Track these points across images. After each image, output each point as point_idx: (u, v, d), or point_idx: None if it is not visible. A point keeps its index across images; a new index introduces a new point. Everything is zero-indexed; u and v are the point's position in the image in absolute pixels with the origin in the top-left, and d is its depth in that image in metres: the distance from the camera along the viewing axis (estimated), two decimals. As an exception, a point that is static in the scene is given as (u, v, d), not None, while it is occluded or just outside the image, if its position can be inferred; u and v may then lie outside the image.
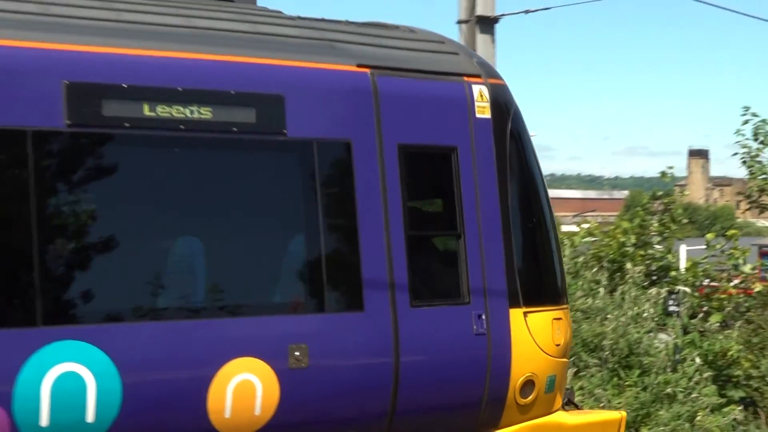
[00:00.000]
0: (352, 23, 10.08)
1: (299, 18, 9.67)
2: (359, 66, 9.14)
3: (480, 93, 9.76)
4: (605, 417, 10.68)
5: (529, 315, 9.74)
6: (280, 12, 9.78)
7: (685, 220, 22.65)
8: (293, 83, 8.74)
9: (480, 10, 16.41)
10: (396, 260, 9.00)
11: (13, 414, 7.34)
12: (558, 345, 9.97)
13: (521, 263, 9.78)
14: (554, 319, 10.01)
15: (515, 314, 9.62)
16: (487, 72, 10.05)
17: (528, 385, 9.70)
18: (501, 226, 9.66)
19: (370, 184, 8.95)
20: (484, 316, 9.42)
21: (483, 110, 9.72)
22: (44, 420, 7.45)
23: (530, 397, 9.73)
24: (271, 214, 8.79)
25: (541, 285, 10.11)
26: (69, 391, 7.52)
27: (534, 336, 9.73)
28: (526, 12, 17.67)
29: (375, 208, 8.96)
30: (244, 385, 8.24)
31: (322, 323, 8.68)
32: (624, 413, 10.86)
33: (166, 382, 7.94)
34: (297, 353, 8.43)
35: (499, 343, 9.45)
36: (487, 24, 16.51)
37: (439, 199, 9.70)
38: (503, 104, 9.92)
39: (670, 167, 22.72)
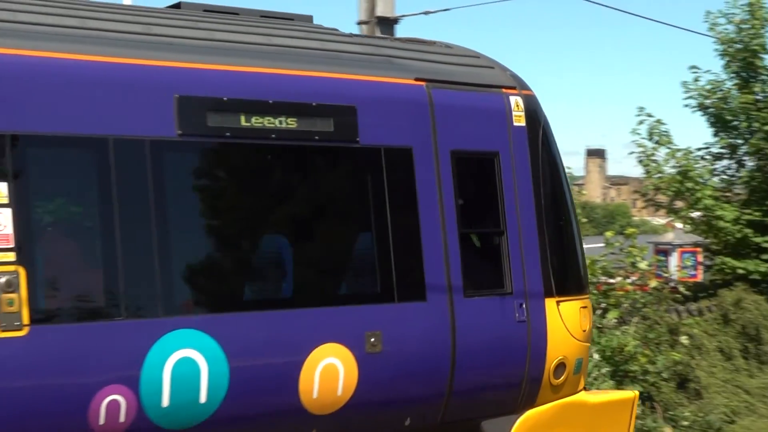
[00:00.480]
0: (398, 39, 11.25)
1: (353, 35, 10.61)
2: (416, 79, 10.10)
3: (516, 103, 10.77)
4: (621, 396, 11.79)
5: (561, 304, 10.74)
6: (336, 30, 10.75)
7: (583, 219, 22.99)
8: (363, 95, 9.65)
9: (380, 11, 16.46)
10: (451, 255, 9.93)
11: (140, 396, 8.16)
12: (584, 331, 10.98)
13: (553, 257, 10.73)
14: (581, 307, 11.00)
15: (550, 303, 10.63)
16: (520, 84, 11.00)
17: (560, 367, 10.69)
18: (536, 223, 10.60)
19: (428, 187, 9.88)
20: (524, 305, 10.41)
21: (519, 119, 10.74)
22: (165, 401, 8.26)
23: (561, 378, 10.74)
24: (347, 214, 9.76)
25: (569, 276, 11.06)
26: (186, 374, 8.35)
27: (565, 323, 10.71)
28: (426, 13, 17.78)
29: (433, 208, 9.89)
30: (329, 368, 9.09)
31: (392, 312, 9.58)
32: (637, 392, 11.88)
33: (265, 366, 8.81)
34: (372, 339, 9.35)
35: (537, 329, 10.47)
36: (387, 25, 16.57)
37: (484, 199, 10.50)
38: (535, 113, 10.90)
39: (569, 167, 23.11)
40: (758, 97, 25.67)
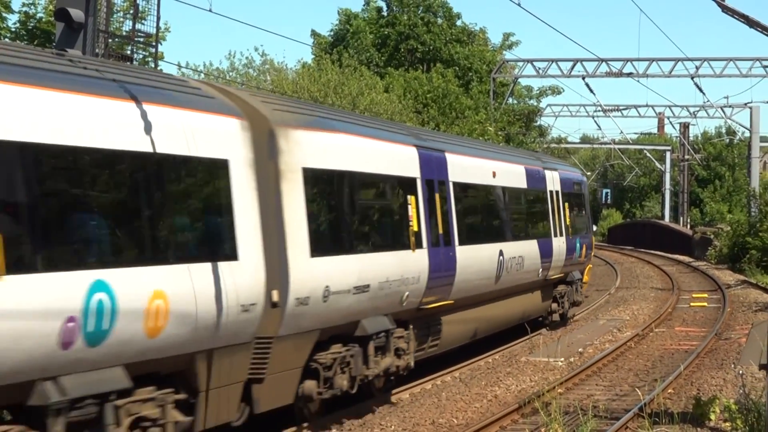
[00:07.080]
0: (523, 152, 31.87)
1: (520, 149, 38.24)
2: (554, 169, 29.48)
3: (552, 176, 29.15)
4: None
5: (569, 237, 29.56)
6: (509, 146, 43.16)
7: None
8: (558, 179, 29.17)
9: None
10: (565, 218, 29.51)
11: (502, 266, 23.10)
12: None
13: (571, 222, 29.94)
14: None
15: (570, 238, 29.69)
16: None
17: (590, 251, 32.86)
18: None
19: (561, 205, 29.20)
20: (574, 238, 29.99)
21: (554, 182, 29.09)
22: (514, 267, 24.36)
23: (590, 256, 32.98)
24: (535, 211, 27.29)
25: (589, 224, 33.18)
26: (538, 253, 26.23)
27: (592, 240, 33.18)
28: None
29: (561, 211, 29.10)
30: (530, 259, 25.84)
31: (554, 242, 27.76)
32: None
33: (531, 254, 25.63)
34: (553, 256, 27.84)
35: (591, 241, 32.89)
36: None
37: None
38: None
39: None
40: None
